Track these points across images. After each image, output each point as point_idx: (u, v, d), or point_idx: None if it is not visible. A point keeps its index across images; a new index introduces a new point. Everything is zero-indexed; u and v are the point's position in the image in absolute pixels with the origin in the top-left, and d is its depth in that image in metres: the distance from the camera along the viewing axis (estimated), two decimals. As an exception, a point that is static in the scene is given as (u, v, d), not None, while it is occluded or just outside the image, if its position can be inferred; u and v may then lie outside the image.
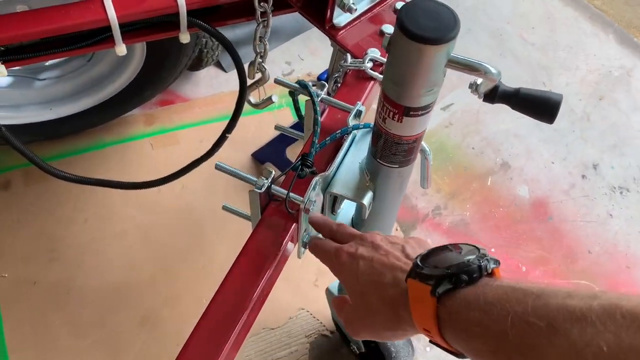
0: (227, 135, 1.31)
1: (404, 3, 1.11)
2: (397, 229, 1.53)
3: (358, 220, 0.95)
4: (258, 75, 1.28)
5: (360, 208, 0.90)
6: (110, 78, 1.37)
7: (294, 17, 1.66)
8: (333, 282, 1.18)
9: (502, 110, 1.73)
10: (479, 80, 0.76)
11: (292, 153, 1.55)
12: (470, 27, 2.00)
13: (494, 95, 0.79)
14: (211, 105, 1.65)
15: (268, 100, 1.33)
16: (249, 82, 1.26)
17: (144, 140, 1.55)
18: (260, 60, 1.24)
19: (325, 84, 0.95)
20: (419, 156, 0.85)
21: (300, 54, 1.83)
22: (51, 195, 1.43)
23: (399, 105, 0.68)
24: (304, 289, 1.38)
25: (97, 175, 1.48)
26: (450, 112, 1.79)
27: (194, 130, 1.59)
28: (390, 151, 0.76)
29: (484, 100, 0.80)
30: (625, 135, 1.83)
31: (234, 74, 1.75)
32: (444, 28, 0.61)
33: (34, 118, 1.37)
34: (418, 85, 0.66)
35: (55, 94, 1.39)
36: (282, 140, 1.53)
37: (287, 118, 1.66)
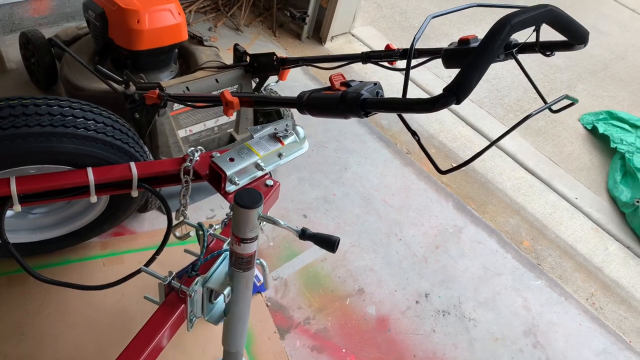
0: (156, 256, 1.95)
1: (270, 181, 1.85)
2: (275, 332, 2.13)
3: (226, 307, 1.58)
4: (181, 218, 1.96)
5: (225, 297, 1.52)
6: (81, 215, 2.03)
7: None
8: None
9: (364, 251, 2.45)
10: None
11: (205, 274, 2.18)
12: (348, 192, 2.78)
13: (304, 236, 1.48)
14: (151, 237, 2.30)
15: (187, 235, 2.00)
16: (175, 222, 1.94)
17: (99, 260, 2.16)
18: (183, 208, 1.93)
19: (213, 224, 1.62)
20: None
21: (222, 204, 2.54)
22: (26, 294, 1.99)
23: (237, 237, 1.36)
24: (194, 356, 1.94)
25: (61, 283, 2.07)
26: (325, 251, 2.48)
27: (136, 254, 2.21)
28: (238, 262, 1.42)
29: (299, 237, 1.48)
30: (452, 274, 2.54)
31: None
32: (255, 201, 1.31)
33: (24, 239, 1.99)
34: (246, 228, 1.34)
35: (41, 224, 2.02)
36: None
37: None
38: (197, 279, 1.45)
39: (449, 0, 4.91)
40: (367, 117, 1.26)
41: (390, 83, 3.59)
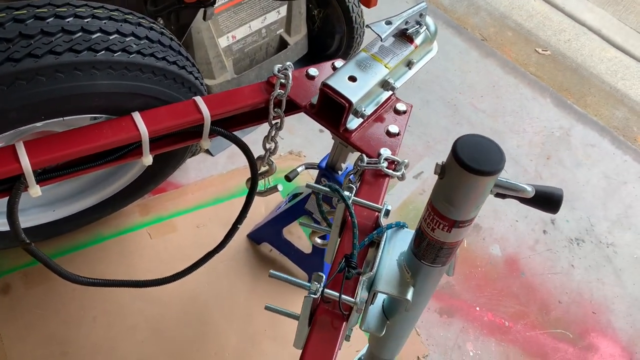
0: (238, 226, 1.37)
1: (402, 104, 1.25)
2: (391, 297, 1.63)
3: (390, 308, 1.04)
4: (264, 168, 1.37)
5: (398, 301, 0.98)
6: (116, 176, 1.41)
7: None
8: None
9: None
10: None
11: (288, 233, 1.62)
12: (429, 99, 2.18)
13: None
14: (202, 189, 1.70)
15: (273, 189, 1.42)
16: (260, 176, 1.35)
17: (142, 231, 1.58)
18: (269, 155, 1.34)
19: (353, 187, 1.04)
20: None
21: (280, 134, 1.92)
22: (54, 295, 1.42)
23: (450, 219, 0.80)
24: None
25: (99, 270, 1.50)
26: (422, 180, 1.94)
27: (190, 216, 1.63)
28: (435, 254, 0.87)
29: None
30: (573, 189, 2.05)
31: (220, 157, 1.82)
32: (494, 162, 0.73)
33: (37, 221, 1.37)
34: (469, 205, 0.77)
35: (58, 195, 1.40)
36: (277, 221, 1.59)
37: (275, 197, 1.73)
38: (361, 281, 0.89)
39: None
40: None
41: None
